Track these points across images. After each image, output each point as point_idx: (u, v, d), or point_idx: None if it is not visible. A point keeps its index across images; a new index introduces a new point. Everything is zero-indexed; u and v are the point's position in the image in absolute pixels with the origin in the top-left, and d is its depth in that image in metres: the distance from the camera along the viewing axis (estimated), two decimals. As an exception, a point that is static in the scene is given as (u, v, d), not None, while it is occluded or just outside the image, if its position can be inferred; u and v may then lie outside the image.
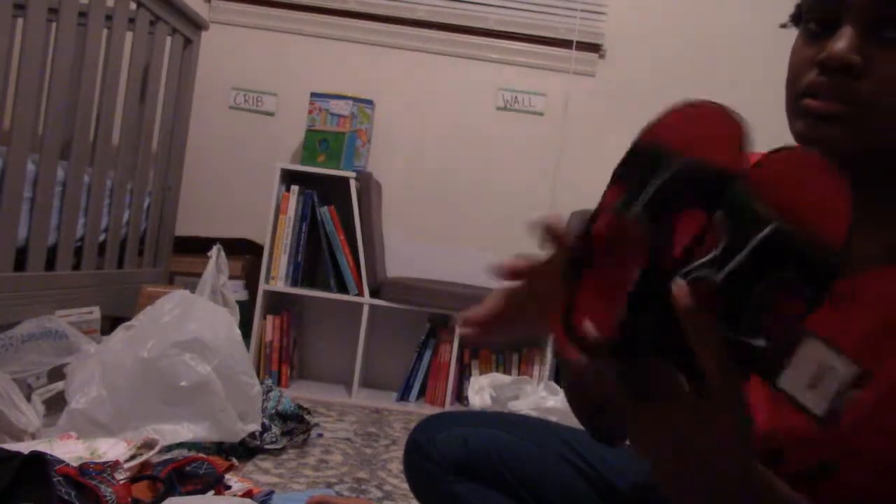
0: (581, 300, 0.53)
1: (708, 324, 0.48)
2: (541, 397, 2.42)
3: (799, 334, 0.46)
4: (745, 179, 0.50)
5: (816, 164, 0.49)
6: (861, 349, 0.63)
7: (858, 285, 0.66)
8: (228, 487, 1.49)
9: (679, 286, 0.48)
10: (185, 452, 1.63)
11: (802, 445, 0.65)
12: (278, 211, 2.69)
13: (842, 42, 0.63)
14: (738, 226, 0.49)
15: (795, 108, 0.68)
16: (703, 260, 0.49)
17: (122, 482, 1.29)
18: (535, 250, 0.58)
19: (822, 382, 0.45)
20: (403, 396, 2.77)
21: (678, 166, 0.50)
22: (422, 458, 1.03)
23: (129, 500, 1.30)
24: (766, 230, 0.47)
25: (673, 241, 0.50)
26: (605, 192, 0.55)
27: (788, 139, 0.68)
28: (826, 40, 0.65)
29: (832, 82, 0.64)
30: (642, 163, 0.52)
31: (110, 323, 2.26)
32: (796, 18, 0.73)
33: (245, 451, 1.84)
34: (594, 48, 2.96)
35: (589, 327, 0.51)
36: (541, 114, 2.98)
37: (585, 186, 2.99)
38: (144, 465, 1.48)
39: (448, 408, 2.70)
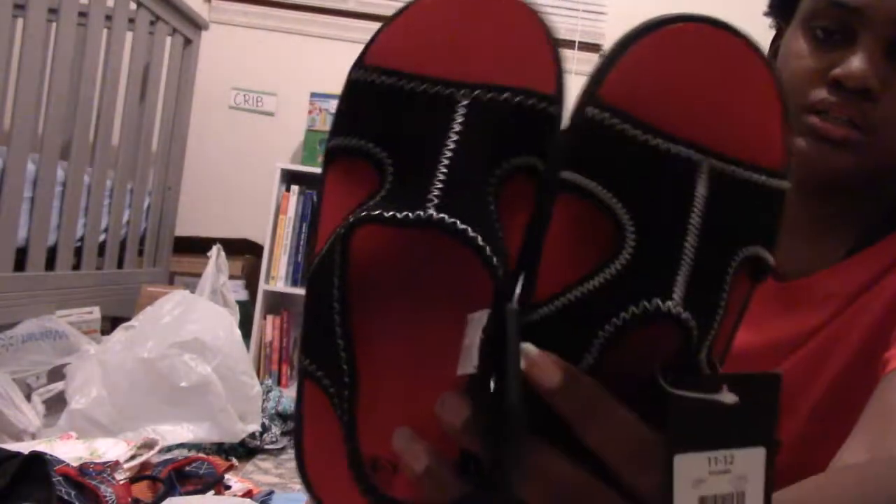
0: (363, 414, 0.36)
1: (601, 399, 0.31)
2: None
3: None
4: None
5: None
6: (811, 350, 0.65)
7: (811, 285, 0.66)
8: (228, 487, 1.49)
9: (533, 356, 0.30)
10: (185, 452, 1.63)
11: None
12: (278, 211, 2.69)
13: (860, 62, 0.58)
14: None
15: (797, 122, 0.62)
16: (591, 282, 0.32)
17: (122, 482, 1.29)
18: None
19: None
20: (403, 396, 2.76)
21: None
22: None
23: (129, 500, 1.30)
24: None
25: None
26: None
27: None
28: (835, 51, 0.61)
29: (846, 104, 0.59)
30: None
31: (110, 323, 2.26)
32: (780, 11, 0.69)
33: (245, 451, 1.84)
34: (594, 48, 2.96)
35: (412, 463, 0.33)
36: (541, 114, 2.98)
37: (585, 186, 2.98)
38: (144, 465, 1.48)
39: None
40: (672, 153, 0.32)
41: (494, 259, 0.31)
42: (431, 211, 0.31)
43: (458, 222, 0.31)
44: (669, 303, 0.30)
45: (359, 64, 0.38)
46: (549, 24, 0.37)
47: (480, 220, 0.32)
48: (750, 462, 0.31)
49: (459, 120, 0.34)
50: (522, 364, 0.30)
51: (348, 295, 0.35)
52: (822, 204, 0.66)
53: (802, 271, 0.68)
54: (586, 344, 0.31)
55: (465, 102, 0.34)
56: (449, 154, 0.33)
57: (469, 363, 0.31)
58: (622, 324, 0.30)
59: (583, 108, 0.33)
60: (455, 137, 0.33)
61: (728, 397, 0.30)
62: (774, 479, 0.32)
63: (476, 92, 0.34)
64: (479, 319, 0.31)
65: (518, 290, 0.34)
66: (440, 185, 0.32)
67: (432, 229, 0.31)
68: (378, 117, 0.36)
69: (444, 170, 0.33)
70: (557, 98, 0.36)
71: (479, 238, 0.31)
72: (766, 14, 0.72)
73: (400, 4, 0.37)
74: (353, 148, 0.36)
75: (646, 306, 0.30)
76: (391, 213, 0.32)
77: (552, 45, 0.37)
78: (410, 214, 0.31)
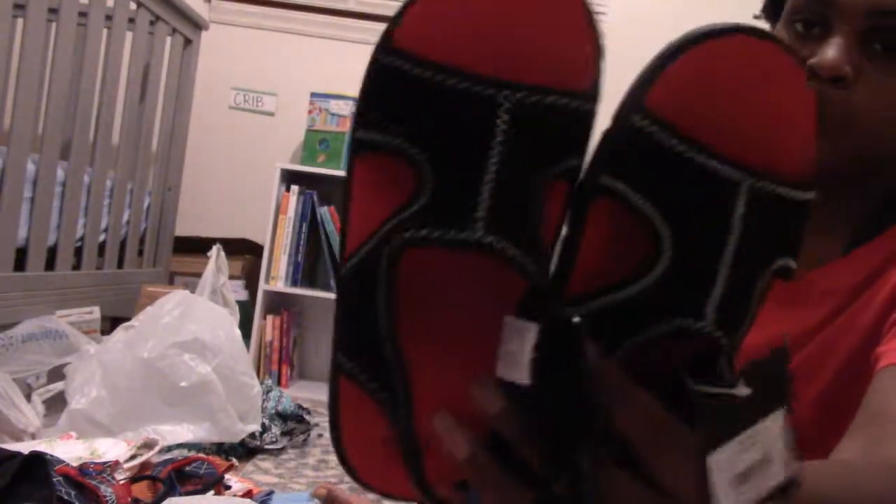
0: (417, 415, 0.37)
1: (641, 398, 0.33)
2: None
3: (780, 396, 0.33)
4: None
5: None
6: (809, 347, 0.66)
7: (809, 283, 0.67)
8: (228, 487, 1.48)
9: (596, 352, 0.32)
10: (185, 452, 1.63)
11: None
12: (278, 211, 2.69)
13: (833, 50, 0.60)
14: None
15: None
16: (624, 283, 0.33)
17: (122, 482, 1.29)
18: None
19: (751, 478, 0.32)
20: (403, 396, 2.76)
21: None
22: None
23: (129, 500, 1.30)
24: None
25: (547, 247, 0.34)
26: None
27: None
28: (812, 43, 0.63)
29: (820, 92, 0.62)
30: None
31: (110, 323, 2.26)
32: (771, 12, 0.71)
33: (245, 451, 1.84)
34: (594, 48, 2.96)
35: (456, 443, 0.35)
36: (541, 114, 2.98)
37: (585, 186, 2.99)
38: (144, 465, 1.48)
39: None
40: (715, 171, 0.33)
41: (543, 283, 0.32)
42: (480, 233, 0.31)
43: (509, 248, 0.31)
44: (702, 323, 0.32)
45: (387, 46, 0.35)
46: (590, 8, 0.36)
47: (528, 237, 0.32)
48: (771, 427, 0.33)
49: (503, 127, 0.33)
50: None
51: (395, 305, 0.35)
52: (823, 211, 0.67)
53: (800, 269, 0.68)
54: (617, 344, 0.33)
55: (507, 106, 0.33)
56: (494, 163, 0.32)
57: (516, 372, 0.32)
58: (656, 335, 0.32)
59: (628, 115, 0.34)
60: (499, 147, 0.33)
61: (743, 390, 0.32)
62: (792, 431, 0.34)
63: (519, 95, 0.33)
64: (522, 329, 0.32)
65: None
66: (488, 201, 0.32)
67: (482, 251, 0.31)
68: (412, 112, 0.34)
69: (490, 182, 0.32)
70: (594, 94, 0.36)
71: (529, 263, 0.32)
72: (757, 17, 0.73)
73: (399, 4, 0.36)
74: (387, 144, 0.35)
75: (679, 324, 0.32)
76: (439, 233, 0.32)
77: (593, 34, 0.36)
78: (460, 236, 0.31)
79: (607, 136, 0.35)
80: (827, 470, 0.50)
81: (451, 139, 0.33)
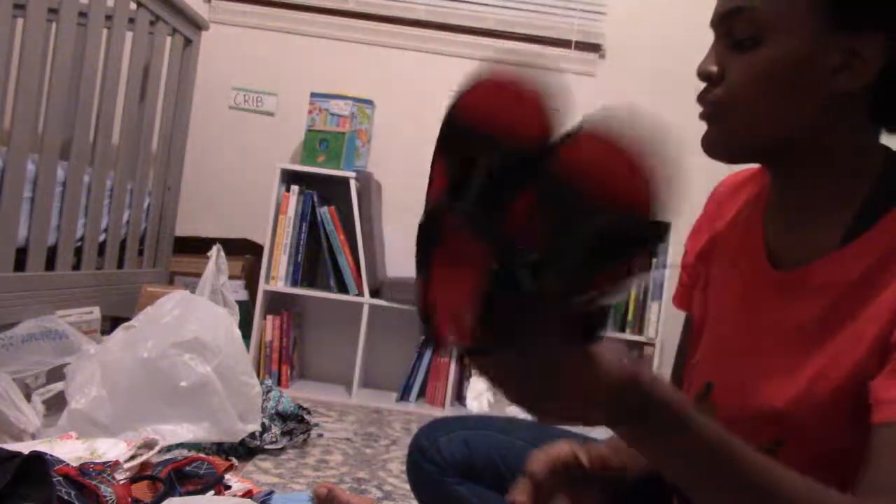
0: (435, 278, 0.51)
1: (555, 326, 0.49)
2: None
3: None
4: (554, 159, 0.47)
5: (624, 142, 0.47)
6: (807, 335, 0.70)
7: (808, 274, 0.71)
8: (228, 487, 1.49)
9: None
10: (184, 452, 1.63)
11: (766, 422, 0.70)
12: (278, 211, 2.69)
13: (706, 56, 0.73)
14: (554, 209, 0.47)
15: None
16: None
17: (122, 482, 1.29)
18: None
19: None
20: (403, 397, 2.77)
21: (497, 154, 0.49)
22: (425, 460, 1.05)
23: (129, 500, 1.30)
24: (582, 215, 0.46)
25: (509, 230, 0.47)
26: (432, 168, 0.55)
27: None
28: None
29: (704, 91, 0.74)
30: (460, 143, 0.52)
31: (110, 323, 2.26)
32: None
33: (245, 451, 1.84)
34: (594, 48, 2.96)
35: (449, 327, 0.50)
36: (541, 114, 2.98)
37: (585, 186, 2.98)
38: (144, 465, 1.48)
39: (448, 408, 2.70)
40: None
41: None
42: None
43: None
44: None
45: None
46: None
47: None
48: None
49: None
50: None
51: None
52: (796, 190, 0.74)
53: (798, 259, 0.73)
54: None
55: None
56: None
57: None
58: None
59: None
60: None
61: None
62: None
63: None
64: None
65: None
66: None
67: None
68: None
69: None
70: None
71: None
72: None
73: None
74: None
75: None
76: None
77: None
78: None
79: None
80: (789, 474, 0.59)
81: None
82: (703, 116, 0.74)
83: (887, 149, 0.72)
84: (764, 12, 0.68)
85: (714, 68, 0.72)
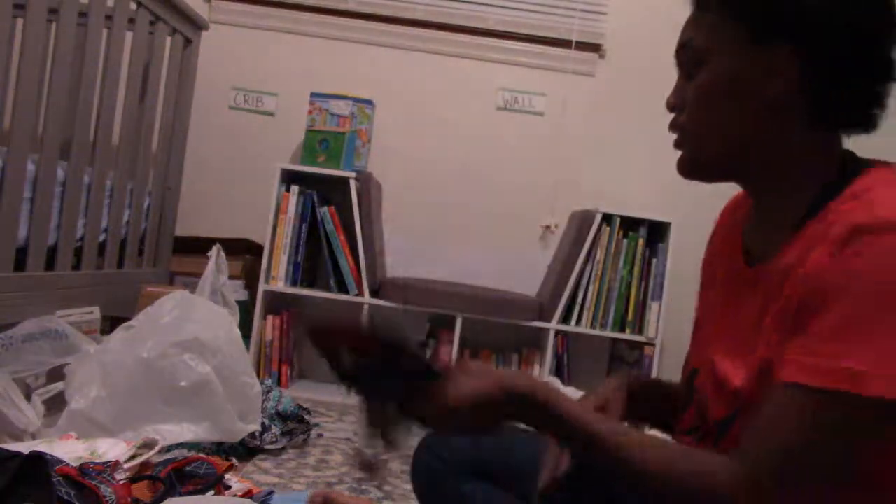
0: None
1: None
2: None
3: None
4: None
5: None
6: (756, 323, 0.78)
7: (759, 273, 0.81)
8: (228, 487, 1.49)
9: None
10: (185, 452, 1.63)
11: (728, 398, 0.79)
12: (278, 211, 2.69)
13: (672, 90, 0.84)
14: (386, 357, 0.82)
15: None
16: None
17: (122, 482, 1.29)
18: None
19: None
20: (403, 396, 2.76)
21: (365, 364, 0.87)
22: (432, 457, 1.07)
23: (129, 500, 1.30)
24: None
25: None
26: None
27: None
28: None
29: (672, 121, 0.84)
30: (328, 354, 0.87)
31: (110, 323, 2.26)
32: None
33: (245, 451, 1.84)
34: (594, 48, 2.96)
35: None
36: (541, 114, 2.98)
37: (585, 186, 2.99)
38: (144, 465, 1.48)
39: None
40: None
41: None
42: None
43: None
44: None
45: None
46: None
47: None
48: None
49: None
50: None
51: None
52: (760, 194, 0.85)
53: (765, 257, 0.82)
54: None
55: None
56: None
57: None
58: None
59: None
60: None
61: None
62: None
63: None
64: None
65: None
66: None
67: None
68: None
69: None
70: None
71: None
72: None
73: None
74: None
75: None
76: None
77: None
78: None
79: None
80: (642, 437, 0.75)
81: None
82: (675, 144, 0.84)
83: (844, 150, 0.80)
84: (700, 41, 0.80)
85: (674, 100, 0.84)
